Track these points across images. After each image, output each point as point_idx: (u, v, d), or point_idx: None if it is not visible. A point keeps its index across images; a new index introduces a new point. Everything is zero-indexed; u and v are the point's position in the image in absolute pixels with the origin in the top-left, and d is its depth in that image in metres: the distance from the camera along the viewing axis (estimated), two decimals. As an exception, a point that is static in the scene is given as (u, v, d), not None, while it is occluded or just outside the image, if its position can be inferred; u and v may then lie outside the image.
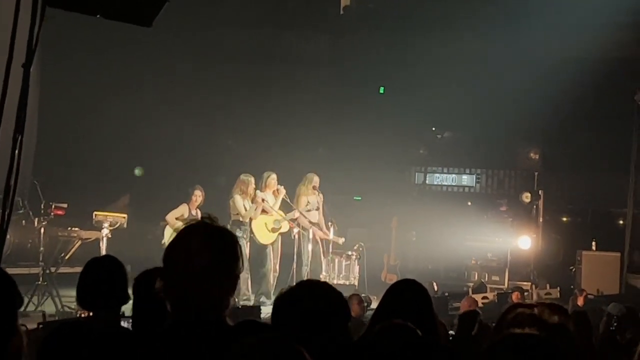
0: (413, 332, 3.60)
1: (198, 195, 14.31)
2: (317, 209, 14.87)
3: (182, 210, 13.89)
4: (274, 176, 14.29)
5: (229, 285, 2.96)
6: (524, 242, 17.83)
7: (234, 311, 10.77)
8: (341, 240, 15.15)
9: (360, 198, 20.66)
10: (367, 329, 4.11)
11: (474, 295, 13.85)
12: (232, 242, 3.00)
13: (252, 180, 13.98)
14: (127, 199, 16.72)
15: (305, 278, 14.29)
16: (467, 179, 22.20)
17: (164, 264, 2.95)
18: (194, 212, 14.16)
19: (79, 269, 4.64)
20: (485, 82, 18.15)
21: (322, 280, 14.06)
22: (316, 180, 14.83)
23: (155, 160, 17.89)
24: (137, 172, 17.16)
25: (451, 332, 7.61)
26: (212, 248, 2.91)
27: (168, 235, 13.41)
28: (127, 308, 4.42)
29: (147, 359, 2.82)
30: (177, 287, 2.89)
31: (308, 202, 14.74)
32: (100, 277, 4.38)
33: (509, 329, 2.72)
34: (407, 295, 4.47)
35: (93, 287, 4.44)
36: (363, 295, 11.72)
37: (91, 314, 4.40)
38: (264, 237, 14.22)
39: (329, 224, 14.96)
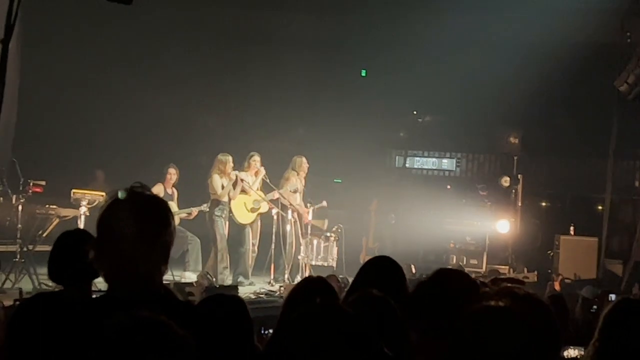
0: (387, 302, 3.65)
1: (172, 174, 14.29)
2: (299, 192, 14.91)
3: (157, 190, 13.80)
4: (256, 157, 14.30)
5: (159, 253, 2.95)
6: (502, 226, 17.87)
7: (211, 290, 10.84)
8: (325, 224, 15.24)
9: (340, 180, 20.67)
10: (342, 302, 4.15)
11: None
12: (160, 210, 3.00)
13: (230, 159, 13.96)
14: (102, 175, 16.62)
15: (283, 259, 14.34)
16: (447, 163, 22.27)
17: (96, 233, 2.97)
18: (169, 191, 14.16)
19: (56, 247, 4.63)
20: (467, 67, 18.16)
21: (301, 261, 14.17)
22: (305, 164, 14.89)
23: (136, 138, 17.83)
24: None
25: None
26: (138, 216, 2.91)
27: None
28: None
29: (74, 327, 2.82)
30: (106, 256, 2.90)
31: (296, 187, 14.77)
32: (71, 250, 4.36)
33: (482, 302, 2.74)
34: (381, 271, 4.52)
35: (63, 261, 4.43)
36: (341, 276, 11.73)
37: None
38: (243, 217, 14.22)
39: (308, 205, 15.01)
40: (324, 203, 15.38)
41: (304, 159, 14.95)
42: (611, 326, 3.50)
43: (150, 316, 2.26)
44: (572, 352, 5.50)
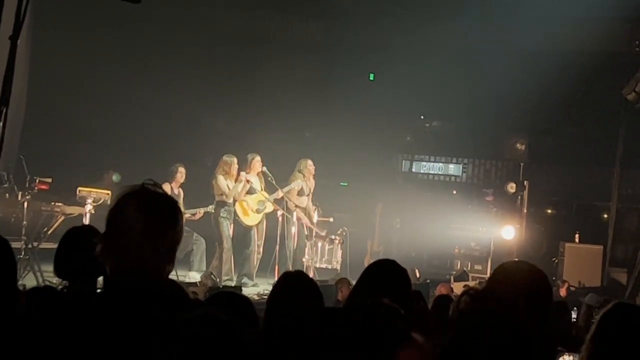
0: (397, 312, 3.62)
1: (182, 173, 14.23)
2: (307, 195, 14.88)
3: (165, 189, 13.73)
4: (258, 158, 14.22)
5: (165, 251, 2.96)
6: (507, 232, 17.83)
7: (215, 291, 10.82)
8: (330, 219, 15.23)
9: (346, 184, 20.64)
10: (346, 304, 4.13)
11: (455, 283, 13.92)
12: (169, 208, 3.03)
13: (235, 160, 13.93)
14: (111, 176, 16.64)
15: (288, 261, 14.32)
16: (453, 168, 22.23)
17: (105, 227, 2.98)
18: (176, 191, 14.10)
19: (61, 245, 4.63)
20: (475, 73, 18.17)
21: (305, 263, 14.18)
22: (311, 166, 14.86)
23: (141, 138, 17.85)
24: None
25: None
26: (147, 212, 2.93)
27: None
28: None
29: (79, 321, 2.83)
30: (112, 250, 2.92)
31: (302, 187, 14.72)
32: (78, 246, 4.36)
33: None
34: (386, 275, 4.47)
35: (70, 256, 4.42)
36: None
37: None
38: (248, 218, 14.21)
39: (314, 207, 14.98)
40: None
41: (309, 161, 14.91)
42: (604, 330, 3.50)
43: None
44: (567, 357, 5.49)
